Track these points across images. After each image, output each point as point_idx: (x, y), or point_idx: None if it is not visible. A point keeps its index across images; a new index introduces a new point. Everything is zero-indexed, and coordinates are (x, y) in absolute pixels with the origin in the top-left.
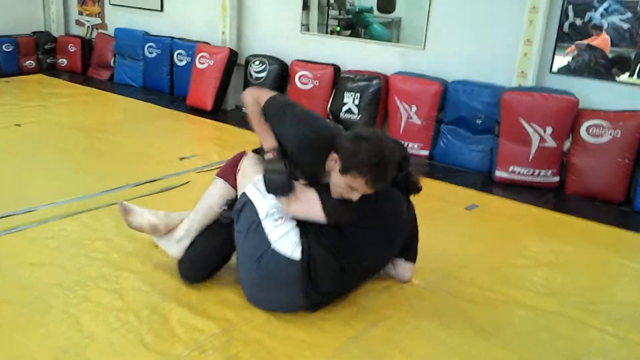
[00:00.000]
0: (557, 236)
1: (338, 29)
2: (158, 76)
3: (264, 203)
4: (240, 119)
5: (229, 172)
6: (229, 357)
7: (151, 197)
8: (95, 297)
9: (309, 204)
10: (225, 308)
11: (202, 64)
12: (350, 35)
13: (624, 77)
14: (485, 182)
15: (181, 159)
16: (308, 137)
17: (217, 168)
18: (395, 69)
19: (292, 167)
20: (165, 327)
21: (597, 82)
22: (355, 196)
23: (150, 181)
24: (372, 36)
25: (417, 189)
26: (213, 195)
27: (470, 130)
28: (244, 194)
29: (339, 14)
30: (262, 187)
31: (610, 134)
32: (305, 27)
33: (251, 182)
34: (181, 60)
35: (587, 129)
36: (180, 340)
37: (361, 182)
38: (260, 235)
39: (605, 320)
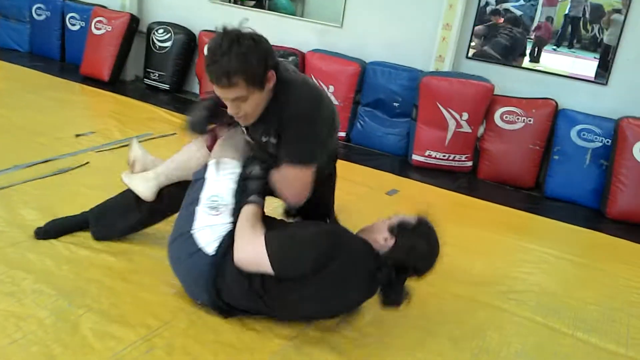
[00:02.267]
0: (474, 222)
1: None
2: (47, 41)
3: (213, 187)
4: (140, 91)
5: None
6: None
7: (45, 181)
8: None
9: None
10: (143, 312)
11: (99, 29)
12: (254, 7)
13: (526, 62)
14: (402, 165)
15: (77, 136)
16: None
17: (120, 147)
18: (311, 46)
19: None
20: (76, 336)
21: (508, 68)
22: (230, 110)
23: (44, 162)
24: (275, 9)
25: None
26: (192, 152)
27: (387, 112)
28: (205, 167)
29: None
30: (222, 169)
31: (523, 121)
32: None
33: (217, 158)
34: (74, 25)
35: (501, 116)
36: (94, 351)
37: (211, 83)
38: (190, 215)
39: (524, 306)
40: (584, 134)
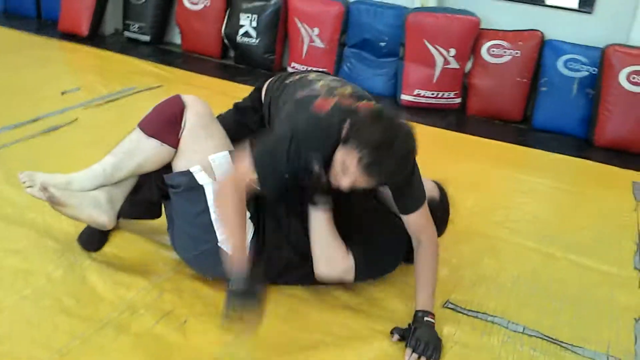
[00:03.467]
0: (465, 157)
1: None
2: None
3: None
4: (121, 44)
5: (165, 129)
6: (165, 314)
7: (35, 140)
8: None
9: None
10: (150, 256)
11: None
12: None
13: None
14: (391, 106)
15: (63, 93)
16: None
17: (106, 102)
18: None
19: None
20: (85, 287)
21: (493, 1)
22: (344, 182)
23: (32, 121)
24: None
25: None
26: (146, 155)
27: (374, 53)
28: (187, 174)
29: None
30: (217, 168)
31: (510, 54)
32: None
33: (203, 160)
34: None
35: (488, 49)
36: (105, 300)
37: (354, 159)
38: (205, 227)
39: (518, 234)
40: (570, 64)
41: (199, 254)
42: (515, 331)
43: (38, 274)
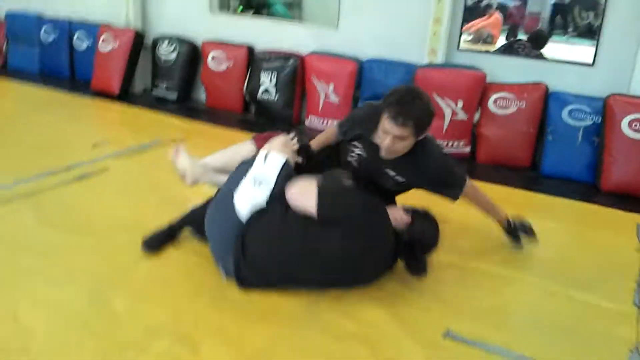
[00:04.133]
0: None
1: (240, 9)
2: (57, 61)
3: (260, 169)
4: (149, 102)
5: (261, 140)
6: (182, 337)
7: (68, 186)
8: (30, 291)
9: (306, 195)
10: (166, 291)
11: (106, 46)
12: (253, 15)
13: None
14: None
15: (94, 145)
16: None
17: (134, 153)
18: (309, 48)
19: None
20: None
21: (499, 57)
22: (387, 140)
23: (65, 169)
24: (274, 16)
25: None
26: (241, 150)
27: None
28: (254, 157)
29: None
30: (269, 159)
31: (516, 105)
32: (210, 7)
33: (267, 152)
34: (81, 44)
35: (495, 101)
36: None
37: (385, 116)
38: (237, 180)
39: (521, 271)
40: (574, 114)
41: (215, 202)
42: (510, 359)
43: (69, 302)
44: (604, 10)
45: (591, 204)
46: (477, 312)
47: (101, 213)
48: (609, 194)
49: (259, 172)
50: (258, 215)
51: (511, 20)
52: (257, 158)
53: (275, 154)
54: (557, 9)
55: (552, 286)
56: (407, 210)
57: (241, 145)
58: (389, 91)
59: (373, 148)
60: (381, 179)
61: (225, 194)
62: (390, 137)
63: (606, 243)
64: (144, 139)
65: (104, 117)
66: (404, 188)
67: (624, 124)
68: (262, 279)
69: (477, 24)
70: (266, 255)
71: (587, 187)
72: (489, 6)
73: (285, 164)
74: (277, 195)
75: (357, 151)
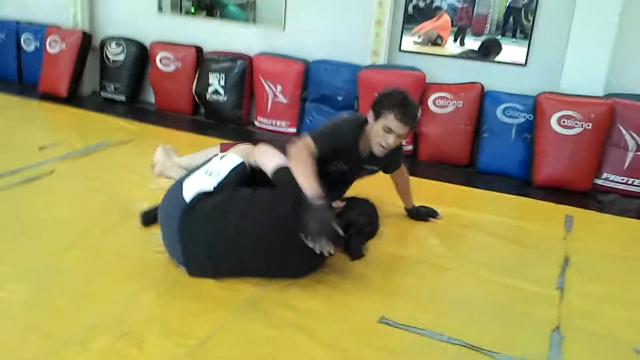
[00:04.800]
0: (417, 197)
1: (193, 10)
2: (3, 63)
3: (214, 164)
4: (98, 104)
5: (228, 147)
6: (124, 334)
7: (13, 190)
8: None
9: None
10: (111, 288)
11: (54, 48)
12: (206, 16)
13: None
14: None
15: (41, 148)
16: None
17: (82, 155)
18: (257, 49)
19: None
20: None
21: (438, 58)
22: (391, 139)
23: (10, 173)
24: (228, 17)
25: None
26: (210, 153)
27: (332, 106)
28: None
29: None
30: (226, 159)
31: (454, 104)
32: (159, 8)
33: (234, 154)
34: (29, 45)
35: (434, 101)
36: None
37: (392, 117)
38: (190, 172)
39: (461, 262)
40: (508, 112)
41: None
42: (440, 340)
43: (13, 301)
44: (534, 12)
45: (524, 198)
46: (410, 299)
47: (47, 215)
48: (541, 187)
49: (213, 166)
50: (203, 196)
51: (460, 22)
52: (215, 157)
53: (233, 155)
54: (509, 11)
55: (483, 273)
56: (342, 199)
57: (211, 149)
58: (383, 94)
59: (354, 158)
60: (355, 177)
61: (177, 183)
62: (394, 136)
63: (536, 233)
64: (92, 141)
65: (51, 119)
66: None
67: (554, 120)
68: (207, 264)
69: (427, 26)
70: (206, 233)
71: (520, 181)
72: (438, 8)
73: (241, 164)
74: (226, 185)
75: (333, 168)
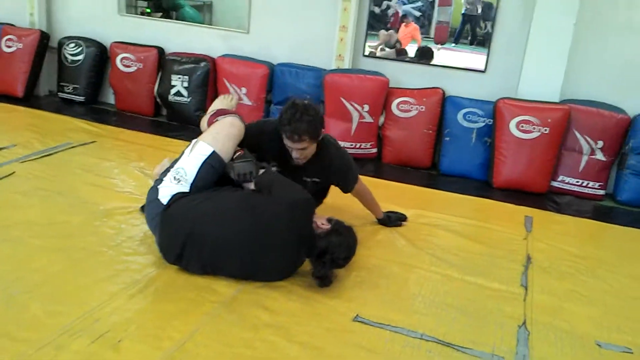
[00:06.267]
0: (380, 198)
1: (148, 10)
2: None
3: (183, 161)
4: (55, 104)
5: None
6: (100, 335)
7: None
8: None
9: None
10: (83, 291)
11: (9, 47)
12: (161, 17)
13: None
14: None
15: (0, 149)
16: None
17: (43, 156)
18: (220, 51)
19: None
20: (27, 314)
21: (401, 63)
22: (294, 152)
23: None
24: (184, 19)
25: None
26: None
27: None
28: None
29: None
30: (196, 148)
31: (417, 109)
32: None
33: (204, 142)
34: None
35: (397, 105)
36: (45, 326)
37: (284, 135)
38: (164, 174)
39: (421, 260)
40: (468, 116)
41: (151, 189)
42: (414, 337)
43: None
44: (493, 20)
45: (485, 199)
46: (383, 298)
47: (11, 217)
48: (500, 189)
49: (181, 166)
50: (179, 196)
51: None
52: (185, 150)
53: (203, 145)
54: (465, 19)
55: (449, 272)
56: (330, 220)
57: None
58: (282, 108)
59: (283, 161)
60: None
61: (153, 188)
62: (294, 150)
63: (498, 233)
64: (51, 142)
65: (7, 120)
66: (320, 188)
67: (512, 125)
68: (181, 262)
69: (401, 33)
70: (179, 232)
71: (481, 183)
72: (404, 16)
73: (210, 155)
74: (198, 186)
75: (274, 168)
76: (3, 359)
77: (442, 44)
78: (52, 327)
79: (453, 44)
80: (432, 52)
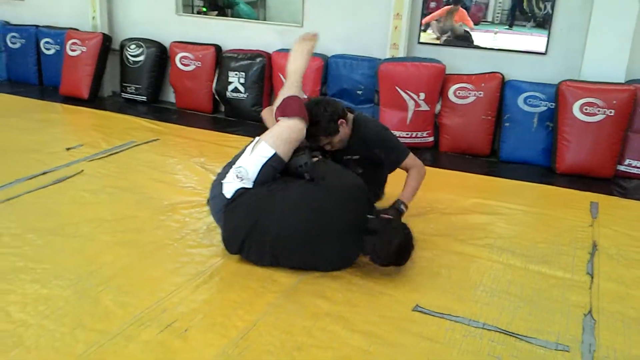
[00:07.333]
0: (439, 188)
1: (204, 9)
2: (24, 67)
3: (244, 160)
4: (119, 104)
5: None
6: (168, 325)
7: (46, 190)
8: (19, 289)
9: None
10: (152, 283)
11: (74, 51)
12: (217, 16)
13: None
14: None
15: (68, 149)
16: None
17: (108, 155)
18: (276, 47)
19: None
20: (98, 307)
21: (457, 49)
22: (327, 148)
23: (41, 174)
24: (239, 15)
25: None
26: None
27: (352, 100)
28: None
29: None
30: (257, 149)
31: (474, 95)
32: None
33: (266, 143)
34: (49, 49)
35: (455, 92)
36: (116, 316)
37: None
38: (227, 168)
39: (490, 251)
40: (529, 101)
41: (215, 183)
42: (476, 327)
43: (56, 299)
44: (553, 1)
45: (548, 186)
46: (443, 287)
47: (81, 213)
48: (564, 175)
49: (243, 165)
50: (242, 191)
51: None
52: (247, 147)
53: (265, 146)
54: (518, 0)
55: (512, 261)
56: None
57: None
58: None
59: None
60: (350, 167)
61: (217, 182)
62: (324, 145)
63: (562, 220)
64: (116, 141)
65: (74, 121)
66: (365, 166)
67: (576, 108)
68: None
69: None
70: (243, 225)
71: (543, 169)
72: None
73: (271, 157)
74: (261, 182)
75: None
76: (79, 348)
77: (475, 24)
78: (122, 318)
79: (507, 27)
80: (469, 35)
